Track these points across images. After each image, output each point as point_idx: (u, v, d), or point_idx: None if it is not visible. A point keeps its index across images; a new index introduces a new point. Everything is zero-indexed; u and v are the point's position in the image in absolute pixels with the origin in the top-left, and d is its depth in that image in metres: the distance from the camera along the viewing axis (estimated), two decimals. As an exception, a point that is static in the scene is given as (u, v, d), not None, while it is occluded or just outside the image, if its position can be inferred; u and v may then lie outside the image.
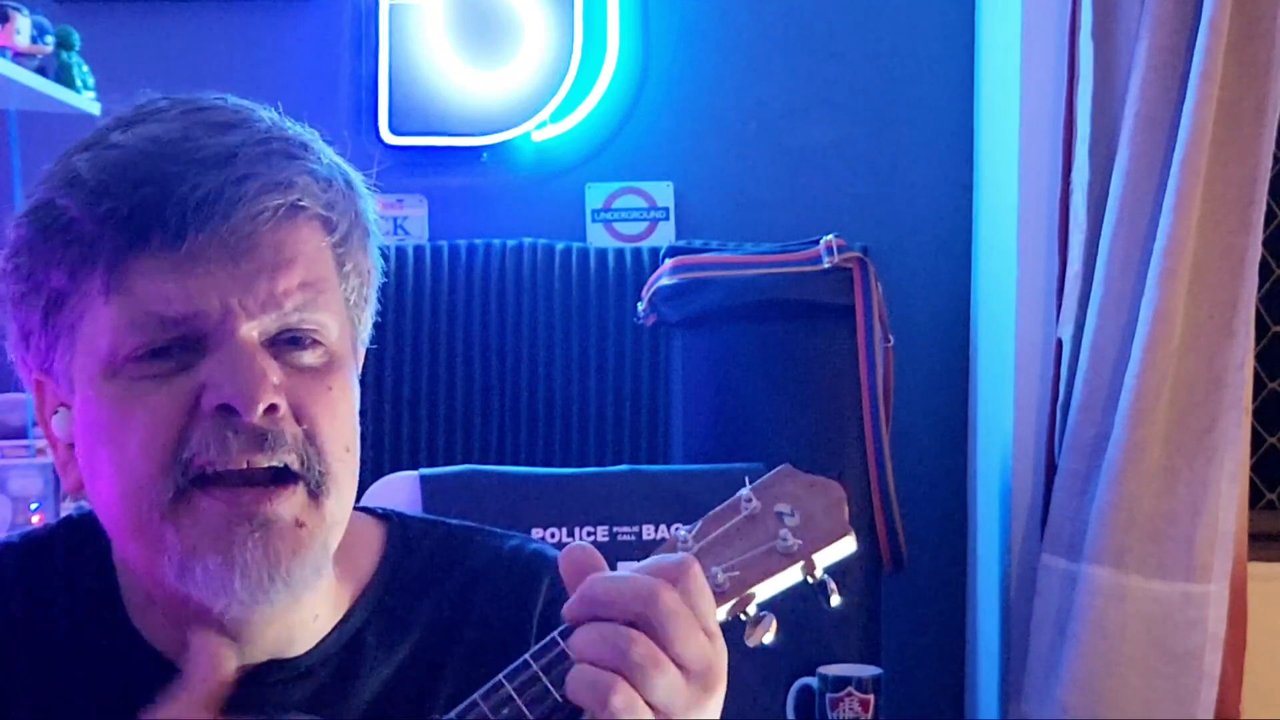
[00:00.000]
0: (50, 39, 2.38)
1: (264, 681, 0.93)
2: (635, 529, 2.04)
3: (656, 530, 2.03)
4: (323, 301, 0.90)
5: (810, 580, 0.91)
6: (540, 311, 2.75)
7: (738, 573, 0.89)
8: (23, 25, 2.29)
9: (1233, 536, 2.26)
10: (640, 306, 2.53)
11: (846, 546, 0.92)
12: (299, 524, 0.87)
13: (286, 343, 0.89)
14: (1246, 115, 2.21)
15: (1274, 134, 2.24)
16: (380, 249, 0.99)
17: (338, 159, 0.94)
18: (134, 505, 0.87)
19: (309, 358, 0.89)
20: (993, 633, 2.57)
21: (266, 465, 0.86)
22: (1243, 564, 2.32)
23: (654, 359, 2.74)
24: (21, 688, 0.92)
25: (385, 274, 1.00)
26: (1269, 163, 2.24)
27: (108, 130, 0.90)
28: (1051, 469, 2.37)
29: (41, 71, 2.36)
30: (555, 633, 0.84)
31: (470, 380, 2.74)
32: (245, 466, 0.86)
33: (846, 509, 0.92)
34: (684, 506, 2.03)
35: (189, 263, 0.86)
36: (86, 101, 2.46)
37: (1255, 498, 2.79)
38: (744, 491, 0.92)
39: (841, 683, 2.14)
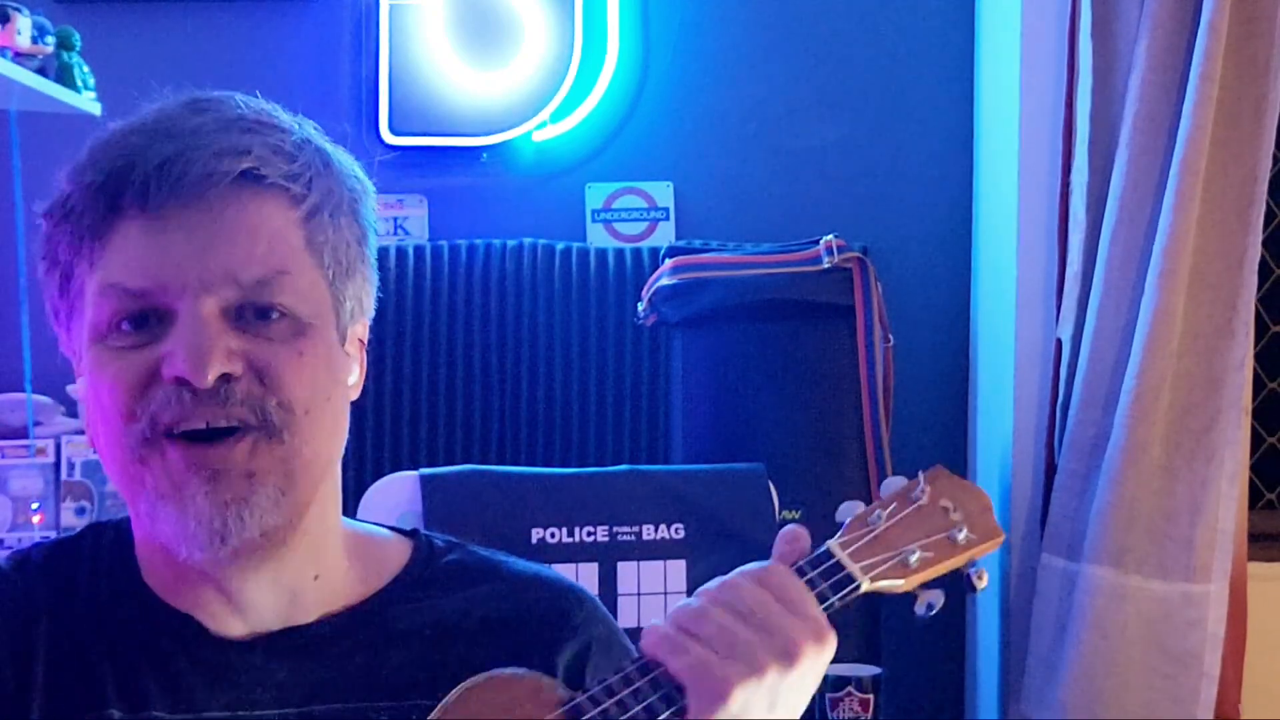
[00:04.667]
0: (51, 39, 2.38)
1: (277, 649, 0.99)
2: (635, 529, 2.04)
3: (656, 530, 2.03)
4: (288, 281, 0.95)
5: (962, 571, 1.06)
6: (540, 311, 2.76)
7: (930, 554, 1.02)
8: (23, 26, 2.30)
9: (1232, 536, 2.26)
10: (640, 306, 2.53)
11: (996, 545, 1.07)
12: (249, 474, 0.93)
13: (256, 315, 0.94)
14: (1246, 115, 2.21)
15: (1273, 134, 2.24)
16: (379, 248, 1.04)
17: (322, 139, 1.00)
18: (115, 451, 0.94)
19: (277, 329, 0.94)
20: (993, 633, 2.57)
21: (225, 424, 0.92)
22: (1242, 564, 2.33)
23: (654, 359, 2.74)
24: (65, 661, 0.97)
25: (385, 274, 1.02)
26: (1269, 163, 2.24)
27: (110, 126, 0.97)
28: (1051, 469, 2.37)
29: (42, 72, 2.36)
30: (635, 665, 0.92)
31: (470, 380, 2.74)
32: (205, 426, 0.92)
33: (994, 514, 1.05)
34: (684, 506, 2.04)
35: (153, 231, 0.92)
36: (87, 102, 2.46)
37: (1255, 498, 2.80)
38: (920, 482, 1.02)
39: (841, 683, 2.14)
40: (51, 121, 2.43)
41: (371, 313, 1.04)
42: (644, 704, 0.90)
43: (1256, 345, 2.56)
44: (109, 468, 0.97)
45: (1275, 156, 2.32)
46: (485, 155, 2.88)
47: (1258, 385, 2.75)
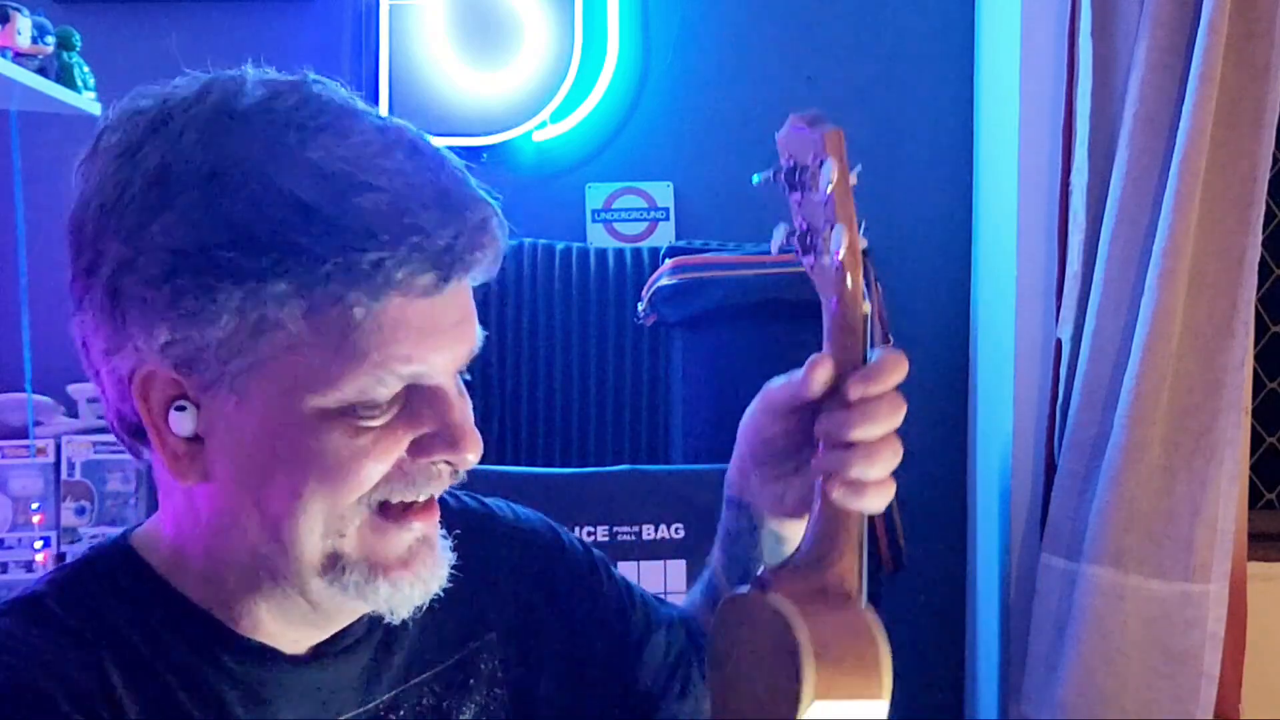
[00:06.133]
0: (51, 39, 2.38)
1: (343, 651, 0.98)
2: (635, 529, 2.04)
3: (656, 530, 2.04)
4: None
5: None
6: (540, 311, 2.76)
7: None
8: (24, 26, 2.30)
9: (1232, 536, 2.26)
10: (640, 306, 2.53)
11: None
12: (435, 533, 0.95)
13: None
14: (1246, 115, 2.21)
15: (1273, 134, 2.24)
16: None
17: None
18: (325, 524, 0.89)
19: (461, 391, 0.97)
20: (992, 633, 2.57)
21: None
22: (1242, 564, 2.33)
23: (654, 359, 2.74)
24: (123, 701, 0.90)
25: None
26: (1268, 163, 2.24)
27: (277, 139, 0.86)
28: (1051, 469, 2.37)
29: (42, 72, 2.36)
30: None
31: (470, 380, 2.74)
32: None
33: None
34: (684, 506, 2.04)
35: (430, 314, 0.89)
36: (87, 102, 2.46)
37: (1254, 497, 2.80)
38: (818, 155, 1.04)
39: (841, 682, 2.14)
40: (51, 121, 2.43)
41: None
42: None
43: (1256, 345, 2.56)
44: (283, 530, 0.89)
45: (1275, 156, 2.32)
46: (485, 155, 2.88)
47: (1258, 385, 2.75)
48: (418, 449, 0.91)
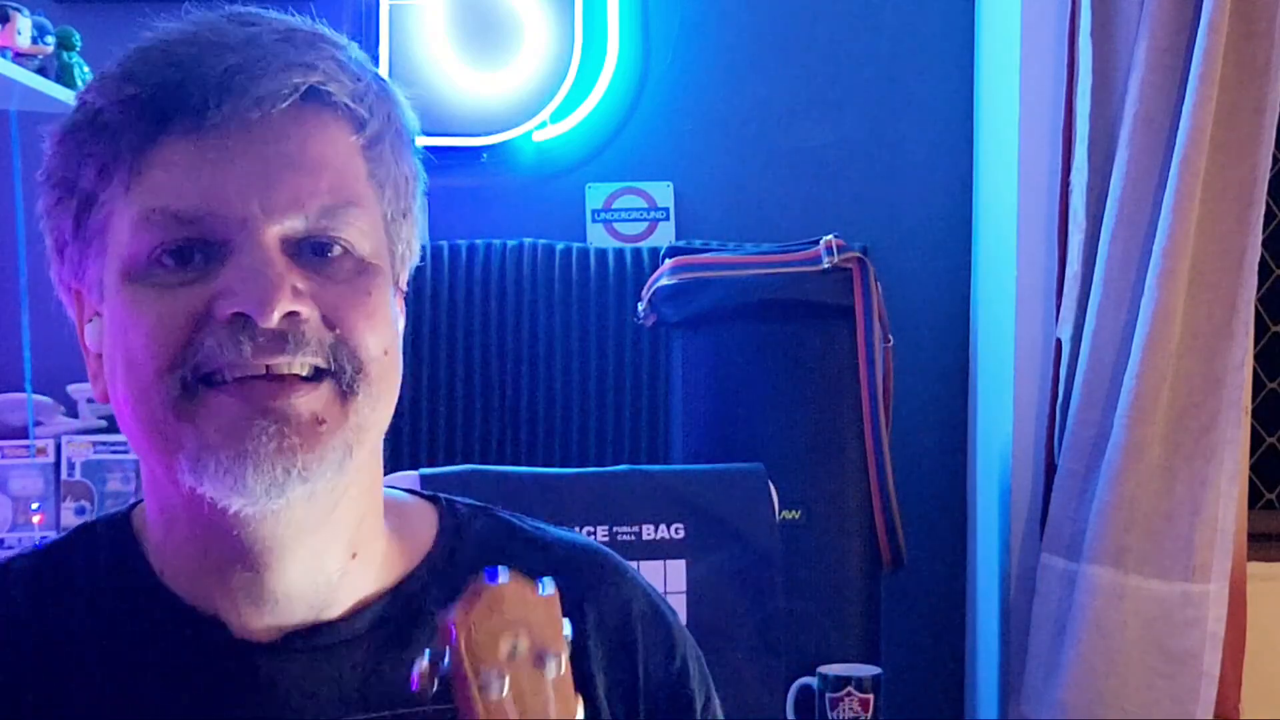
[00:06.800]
0: (51, 39, 2.38)
1: (308, 650, 0.90)
2: (635, 529, 2.04)
3: (656, 530, 2.04)
4: (354, 215, 0.86)
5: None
6: (540, 311, 2.76)
7: None
8: (23, 26, 2.30)
9: (1232, 536, 2.26)
10: (640, 306, 2.53)
11: None
12: (319, 421, 0.83)
13: (314, 251, 0.85)
14: (1246, 116, 2.21)
15: (1273, 134, 2.24)
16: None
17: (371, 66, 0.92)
18: (145, 406, 0.84)
19: (339, 267, 0.86)
20: (992, 632, 2.57)
21: (289, 370, 0.83)
22: (1242, 563, 2.33)
23: (654, 359, 2.74)
24: (76, 680, 0.89)
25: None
26: (1268, 163, 2.24)
27: (144, 38, 0.88)
28: (1051, 469, 2.37)
29: (42, 72, 2.36)
30: None
31: (470, 380, 2.74)
32: (265, 371, 0.82)
33: None
34: (684, 506, 2.04)
35: (208, 151, 0.82)
36: (87, 102, 2.46)
37: (1254, 497, 2.80)
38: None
39: (841, 682, 2.14)
40: (51, 122, 2.43)
41: (417, 259, 0.95)
42: None
43: (1256, 345, 2.57)
44: (131, 425, 0.85)
45: (1275, 156, 2.32)
46: (485, 155, 2.87)
47: (1258, 385, 2.75)
48: (216, 309, 0.82)
